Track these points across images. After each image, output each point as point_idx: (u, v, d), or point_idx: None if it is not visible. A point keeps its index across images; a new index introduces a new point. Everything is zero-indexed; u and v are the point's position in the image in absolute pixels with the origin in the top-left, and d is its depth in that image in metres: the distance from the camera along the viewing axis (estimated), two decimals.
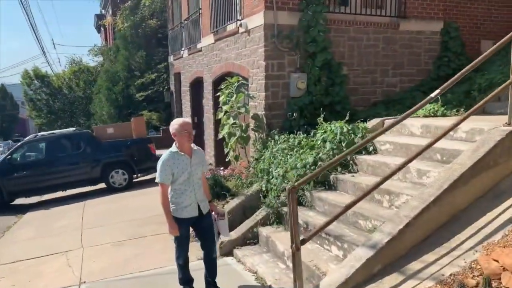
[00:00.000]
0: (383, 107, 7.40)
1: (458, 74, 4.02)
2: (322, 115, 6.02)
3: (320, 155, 5.30)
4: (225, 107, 7.15)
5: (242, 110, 6.98)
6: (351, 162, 5.25)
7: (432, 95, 3.89)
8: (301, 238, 3.31)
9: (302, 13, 7.11)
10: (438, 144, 4.47)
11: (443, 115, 5.86)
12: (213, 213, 4.05)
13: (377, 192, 4.42)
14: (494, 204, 3.77)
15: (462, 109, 6.03)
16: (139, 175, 10.91)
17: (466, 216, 3.78)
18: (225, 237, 4.30)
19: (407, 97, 7.69)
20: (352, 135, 5.38)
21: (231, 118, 7.00)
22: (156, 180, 3.78)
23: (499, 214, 3.61)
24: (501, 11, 9.30)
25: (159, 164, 3.75)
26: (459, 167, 3.86)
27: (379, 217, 4.07)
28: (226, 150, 7.29)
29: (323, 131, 5.70)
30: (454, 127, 3.98)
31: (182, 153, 3.75)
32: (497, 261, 2.90)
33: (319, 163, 5.23)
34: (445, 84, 3.95)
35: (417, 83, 8.27)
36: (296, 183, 3.29)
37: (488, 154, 3.87)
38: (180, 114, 14.72)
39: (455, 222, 3.75)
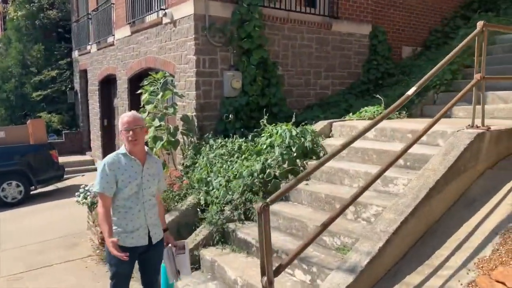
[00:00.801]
0: (319, 110, 7.05)
1: (433, 70, 3.66)
2: (265, 117, 5.41)
3: (269, 161, 4.68)
4: (148, 107, 6.16)
5: (170, 110, 6.09)
6: (301, 168, 4.70)
7: (409, 92, 3.47)
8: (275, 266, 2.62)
9: (237, 5, 6.47)
10: (398, 148, 4.14)
11: (388, 118, 5.62)
12: (169, 245, 3.14)
13: (338, 202, 3.92)
14: (469, 213, 3.47)
15: (404, 112, 5.88)
16: (38, 187, 9.28)
17: (442, 228, 3.43)
18: (186, 275, 3.33)
19: (340, 100, 7.47)
20: (302, 138, 4.84)
21: (156, 120, 6.04)
22: (94, 190, 2.85)
23: (478, 225, 3.30)
24: (419, 19, 9.66)
25: (99, 168, 2.82)
26: (433, 174, 3.51)
27: (348, 232, 3.56)
28: None
29: (268, 134, 5.08)
30: (427, 129, 3.61)
31: (132, 157, 2.84)
32: (503, 283, 2.51)
33: (268, 170, 4.60)
34: (421, 81, 3.57)
35: (348, 86, 8.12)
36: (269, 200, 2.59)
37: (459, 159, 3.58)
38: (86, 116, 13.10)
39: (432, 235, 3.38)
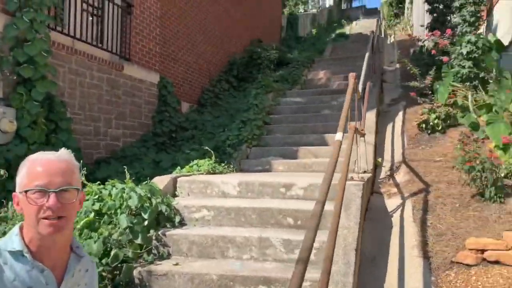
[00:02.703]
0: (118, 164, 5.69)
1: (343, 112, 3.34)
2: (83, 172, 3.77)
3: (114, 236, 3.15)
4: None
5: None
6: (156, 242, 3.40)
7: (339, 138, 3.00)
8: None
9: (13, 17, 4.59)
10: (283, 205, 3.59)
11: (221, 172, 5.01)
12: None
13: (241, 284, 2.93)
14: (379, 271, 3.21)
15: (232, 165, 5.40)
16: None
17: None
18: None
19: (140, 153, 6.35)
20: (153, 200, 3.56)
21: None
22: None
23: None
24: (194, 76, 9.71)
25: None
26: (347, 232, 3.10)
27: None
28: None
29: (95, 197, 3.52)
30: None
31: (39, 264, 1.22)
32: None
33: (114, 251, 3.09)
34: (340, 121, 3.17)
35: (138, 138, 7.04)
36: None
37: (361, 213, 3.33)
38: None
39: None
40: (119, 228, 3.26)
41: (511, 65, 6.20)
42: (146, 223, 3.39)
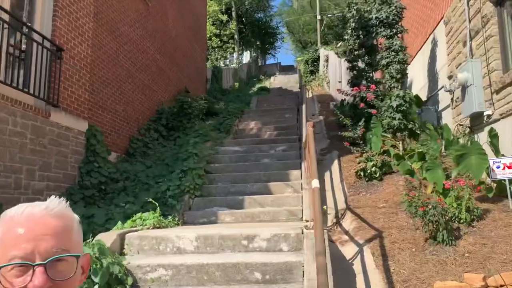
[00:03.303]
0: None
1: (313, 161, 3.30)
2: None
3: None
4: None
5: None
6: None
7: (316, 184, 2.93)
8: None
9: None
10: (248, 259, 3.40)
11: (166, 226, 4.66)
12: None
13: None
14: None
15: (176, 218, 5.07)
16: None
17: None
18: None
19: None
20: (103, 261, 3.12)
21: None
22: None
23: None
24: (122, 125, 9.24)
25: None
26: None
27: None
28: None
29: None
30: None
31: None
32: None
33: None
34: None
35: (64, 190, 6.37)
36: None
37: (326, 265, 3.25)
38: None
39: None
40: None
41: (430, 118, 6.87)
42: None
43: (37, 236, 0.80)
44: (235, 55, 27.84)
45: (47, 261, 0.79)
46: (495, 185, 4.57)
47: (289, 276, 3.25)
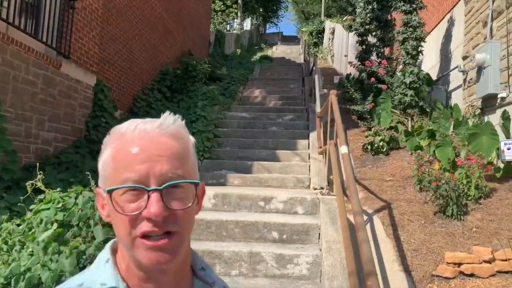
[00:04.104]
0: (53, 171, 5.08)
1: (340, 128, 3.33)
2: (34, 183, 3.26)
3: (89, 251, 2.73)
4: None
5: None
6: None
7: (345, 151, 2.98)
8: None
9: None
10: (266, 219, 3.48)
11: None
12: None
13: None
14: None
15: None
16: None
17: None
18: None
19: (76, 160, 5.71)
20: None
21: None
22: None
23: None
24: (127, 83, 9.14)
25: None
26: (340, 246, 3.09)
27: None
28: None
29: (58, 207, 3.05)
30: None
31: None
32: None
33: None
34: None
35: (70, 143, 6.37)
36: None
37: (345, 226, 3.36)
38: None
39: None
40: (94, 241, 2.84)
41: (440, 97, 6.92)
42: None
43: (152, 157, 0.69)
44: (237, 20, 27.34)
45: (163, 186, 0.69)
46: (503, 166, 4.68)
47: (306, 237, 3.35)
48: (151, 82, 10.34)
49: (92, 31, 6.94)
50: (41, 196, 3.19)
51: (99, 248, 2.84)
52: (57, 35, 5.96)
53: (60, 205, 3.08)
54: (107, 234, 2.89)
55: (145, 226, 0.68)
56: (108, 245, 0.79)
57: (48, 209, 3.04)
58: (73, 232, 2.91)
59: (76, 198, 3.15)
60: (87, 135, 6.69)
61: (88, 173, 4.71)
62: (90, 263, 2.76)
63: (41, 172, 3.73)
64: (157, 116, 0.78)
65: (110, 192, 0.70)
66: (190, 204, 0.71)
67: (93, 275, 0.75)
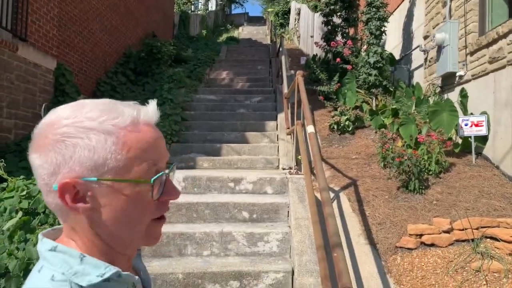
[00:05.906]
0: (15, 159, 4.91)
1: (306, 109, 3.37)
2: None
3: None
4: None
5: None
6: None
7: (312, 130, 3.03)
8: None
9: None
10: (236, 199, 3.53)
11: None
12: None
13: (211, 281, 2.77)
14: None
15: None
16: None
17: None
18: None
19: None
20: None
21: None
22: None
23: None
24: (90, 66, 8.86)
25: None
26: (308, 222, 3.18)
27: None
28: None
29: (22, 195, 2.97)
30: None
31: (132, 276, 0.69)
32: None
33: None
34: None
35: (32, 130, 6.12)
36: None
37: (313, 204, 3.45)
38: None
39: None
40: None
41: (402, 77, 7.11)
42: None
43: (161, 141, 0.72)
44: (202, 1, 26.82)
45: (171, 168, 0.73)
46: (461, 141, 4.91)
47: (275, 216, 3.42)
48: (114, 65, 10.06)
49: (49, 12, 6.64)
50: (4, 185, 3.10)
51: None
52: (12, 17, 5.67)
53: (24, 193, 3.00)
54: None
55: (166, 207, 0.73)
56: (47, 240, 0.67)
57: (12, 197, 2.95)
58: (40, 219, 2.85)
59: None
60: None
61: None
62: None
63: (2, 160, 3.60)
64: (122, 100, 0.79)
65: (154, 180, 0.67)
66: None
67: (76, 274, 0.63)
